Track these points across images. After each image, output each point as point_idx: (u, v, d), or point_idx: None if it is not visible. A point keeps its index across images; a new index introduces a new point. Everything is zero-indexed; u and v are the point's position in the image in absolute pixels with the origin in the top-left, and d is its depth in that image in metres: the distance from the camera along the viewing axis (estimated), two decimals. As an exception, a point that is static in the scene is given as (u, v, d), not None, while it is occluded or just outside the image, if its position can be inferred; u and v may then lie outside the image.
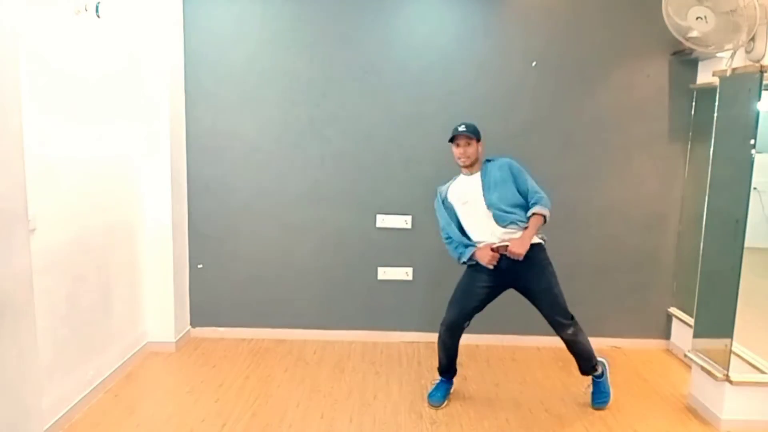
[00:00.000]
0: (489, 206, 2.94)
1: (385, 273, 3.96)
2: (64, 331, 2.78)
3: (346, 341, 3.97)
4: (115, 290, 3.28)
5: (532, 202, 2.94)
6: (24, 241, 2.16)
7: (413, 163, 3.86)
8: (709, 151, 3.02)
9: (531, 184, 3.00)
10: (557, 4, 3.78)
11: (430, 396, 3.13)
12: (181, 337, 3.80)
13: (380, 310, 4.00)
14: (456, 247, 3.04)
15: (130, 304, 3.48)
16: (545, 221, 2.95)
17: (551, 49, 3.79)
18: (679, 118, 3.84)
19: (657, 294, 3.99)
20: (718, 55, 3.25)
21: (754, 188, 2.77)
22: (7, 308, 2.06)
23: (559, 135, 3.84)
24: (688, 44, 2.88)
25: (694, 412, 3.10)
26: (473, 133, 2.98)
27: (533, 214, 2.92)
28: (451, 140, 3.01)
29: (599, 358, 3.12)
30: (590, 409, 3.08)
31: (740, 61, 2.88)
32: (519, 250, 2.85)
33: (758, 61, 2.75)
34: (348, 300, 3.99)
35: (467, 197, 3.02)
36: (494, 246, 2.93)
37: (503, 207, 2.93)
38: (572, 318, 2.98)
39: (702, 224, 3.09)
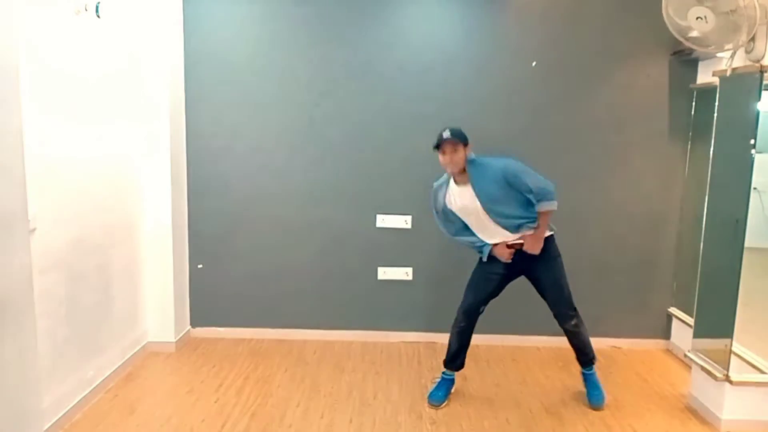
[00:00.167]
0: (496, 219, 2.92)
1: (385, 273, 3.96)
2: (64, 331, 2.78)
3: (346, 341, 3.97)
4: (115, 290, 3.29)
5: (537, 199, 2.89)
6: (24, 241, 2.16)
7: (413, 163, 3.86)
8: (709, 151, 3.02)
9: (531, 180, 2.86)
10: (557, 4, 3.78)
11: (430, 395, 3.13)
12: (181, 337, 3.80)
13: (380, 310, 4.00)
14: (463, 239, 3.07)
15: (130, 304, 3.48)
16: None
17: (551, 49, 3.79)
18: (679, 118, 3.84)
19: (657, 294, 3.99)
20: (718, 55, 3.25)
21: (754, 188, 2.77)
22: (7, 308, 2.06)
23: (559, 135, 3.83)
24: (688, 44, 2.88)
25: (694, 412, 3.10)
26: (459, 138, 2.82)
27: (540, 212, 2.93)
28: (436, 147, 2.85)
29: None
30: (590, 409, 3.08)
31: (740, 61, 2.88)
32: (535, 250, 2.94)
33: (758, 61, 2.75)
34: (348, 300, 3.99)
35: (469, 210, 2.95)
36: (509, 243, 2.97)
37: (510, 217, 2.92)
38: (575, 310, 3.06)
39: (702, 224, 3.09)
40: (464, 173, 2.90)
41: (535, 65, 3.79)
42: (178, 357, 3.64)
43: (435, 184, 3.08)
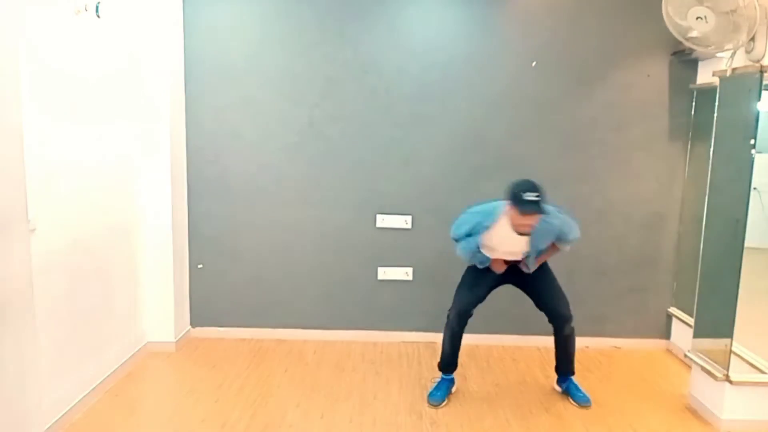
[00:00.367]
0: (527, 255, 2.97)
1: (385, 273, 3.96)
2: (64, 331, 2.78)
3: (346, 341, 3.97)
4: (115, 290, 3.29)
5: (564, 241, 2.98)
6: (24, 242, 2.16)
7: (413, 163, 3.86)
8: (709, 151, 3.02)
9: (572, 235, 2.96)
10: (557, 4, 3.78)
11: (430, 395, 3.13)
12: (181, 337, 3.80)
13: (380, 310, 4.00)
14: (471, 253, 3.00)
15: (130, 304, 3.48)
16: None
17: (551, 49, 3.79)
18: (679, 118, 3.84)
19: (657, 294, 3.99)
20: (718, 55, 3.25)
21: (754, 188, 2.77)
22: (7, 308, 2.07)
23: (559, 135, 3.83)
24: (688, 44, 2.87)
25: (694, 412, 3.10)
26: (542, 205, 2.67)
27: (557, 247, 3.02)
28: (518, 206, 2.67)
29: None
30: (590, 409, 3.08)
31: (740, 61, 2.88)
32: (531, 270, 3.01)
33: (758, 61, 2.75)
34: (348, 300, 3.99)
35: (505, 244, 2.89)
36: (508, 260, 3.01)
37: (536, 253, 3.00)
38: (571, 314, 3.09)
39: (702, 224, 3.09)
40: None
41: (535, 65, 3.79)
42: (178, 357, 3.64)
43: (471, 223, 2.91)
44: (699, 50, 3.03)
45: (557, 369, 3.24)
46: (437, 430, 2.85)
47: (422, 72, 3.79)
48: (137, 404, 3.03)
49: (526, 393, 3.29)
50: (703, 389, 3.07)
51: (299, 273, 3.96)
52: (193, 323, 3.98)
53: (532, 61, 3.79)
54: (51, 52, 2.61)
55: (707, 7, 2.75)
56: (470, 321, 3.12)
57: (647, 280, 3.98)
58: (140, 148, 3.51)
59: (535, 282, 3.08)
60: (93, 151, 3.00)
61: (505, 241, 2.87)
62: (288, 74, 3.79)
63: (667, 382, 3.47)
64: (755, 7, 2.71)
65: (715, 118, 2.99)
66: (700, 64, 3.76)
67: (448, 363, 3.18)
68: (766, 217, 4.18)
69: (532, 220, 2.70)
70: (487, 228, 2.88)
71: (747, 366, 2.95)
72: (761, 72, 2.67)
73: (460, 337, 3.14)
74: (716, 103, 2.97)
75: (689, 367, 3.25)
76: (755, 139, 2.72)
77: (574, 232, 2.98)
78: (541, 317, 3.16)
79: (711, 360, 2.96)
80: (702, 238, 3.07)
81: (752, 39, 2.78)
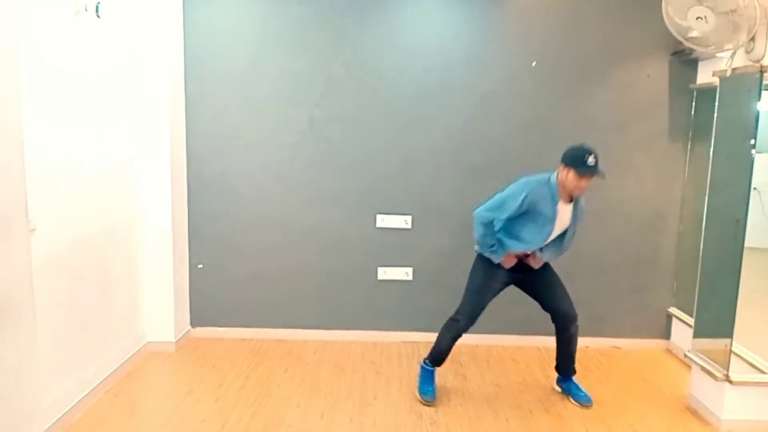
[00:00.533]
0: (565, 237, 3.01)
1: (385, 273, 3.96)
2: (64, 331, 2.78)
3: (346, 341, 3.97)
4: (115, 290, 3.28)
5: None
6: (24, 241, 2.16)
7: (413, 163, 3.86)
8: (709, 151, 3.02)
9: (582, 214, 3.07)
10: (557, 4, 3.78)
11: (423, 391, 3.12)
12: (181, 337, 3.80)
13: (380, 310, 4.00)
14: (491, 243, 2.93)
15: (130, 304, 3.48)
16: None
17: (551, 49, 3.79)
18: (679, 118, 3.84)
19: (657, 294, 3.99)
20: (718, 55, 3.25)
21: (754, 188, 2.77)
22: (8, 308, 2.07)
23: (559, 135, 3.82)
24: (688, 44, 2.88)
25: (694, 412, 3.10)
26: (600, 172, 2.84)
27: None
28: (578, 171, 2.79)
29: None
30: (590, 409, 3.08)
31: (740, 61, 2.89)
32: (539, 265, 3.03)
33: (758, 61, 2.75)
34: (348, 300, 3.99)
35: (562, 225, 2.94)
36: (518, 254, 3.00)
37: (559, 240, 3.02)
38: None
39: (702, 224, 3.09)
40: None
41: (535, 65, 3.79)
42: (178, 357, 3.64)
43: (526, 191, 2.85)
44: (699, 50, 3.03)
45: (558, 369, 3.24)
46: (437, 430, 2.85)
47: (422, 72, 3.79)
48: (137, 404, 3.03)
49: (526, 393, 3.29)
50: (703, 389, 3.07)
51: (299, 273, 3.96)
52: (193, 323, 3.98)
53: (532, 61, 3.79)
54: (51, 52, 2.61)
55: (707, 7, 2.76)
56: None
57: (647, 280, 3.98)
58: (140, 148, 3.51)
59: (541, 283, 3.08)
60: (93, 151, 3.00)
61: (564, 213, 2.91)
62: (288, 74, 3.79)
63: (667, 382, 3.47)
64: (755, 7, 2.71)
65: (715, 118, 2.99)
66: (700, 64, 3.76)
67: (442, 359, 3.17)
68: (766, 217, 4.18)
69: (588, 183, 2.84)
70: (549, 201, 2.86)
71: (747, 366, 2.95)
72: (761, 72, 2.67)
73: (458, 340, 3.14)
74: (716, 103, 2.97)
75: (689, 367, 3.26)
76: (755, 139, 2.72)
77: (583, 218, 3.05)
78: (541, 317, 3.16)
79: (711, 360, 2.96)
80: (702, 238, 3.07)
81: (752, 39, 2.78)
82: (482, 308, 3.06)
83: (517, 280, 3.08)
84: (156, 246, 3.63)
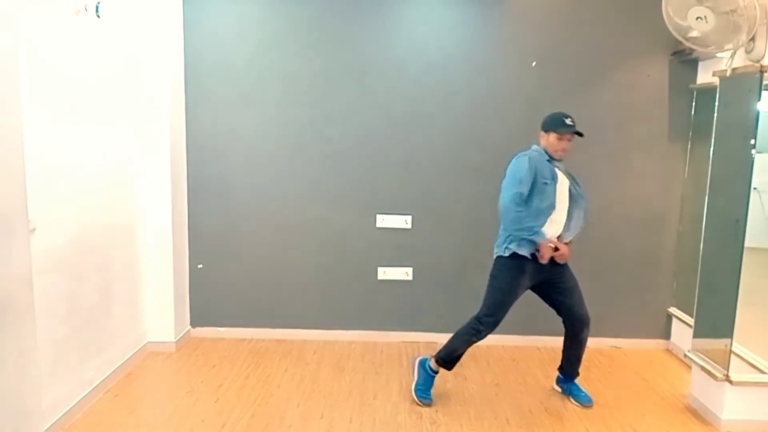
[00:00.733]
0: (570, 209, 3.00)
1: (385, 273, 3.96)
2: (64, 331, 2.78)
3: (346, 341, 3.97)
4: (115, 290, 3.28)
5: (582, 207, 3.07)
6: (24, 241, 2.16)
7: (413, 163, 3.86)
8: (709, 151, 3.02)
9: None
10: (557, 4, 3.78)
11: (421, 394, 3.09)
12: (181, 337, 3.80)
13: (380, 310, 4.00)
14: (532, 223, 2.86)
15: (130, 304, 3.48)
16: None
17: (551, 49, 3.79)
18: (679, 118, 3.84)
19: (657, 294, 3.99)
20: (718, 55, 3.25)
21: (754, 188, 2.77)
22: (8, 308, 2.07)
23: (559, 135, 3.83)
24: (688, 44, 2.88)
25: (694, 412, 3.10)
26: (578, 131, 2.93)
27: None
28: (556, 131, 2.92)
29: None
30: (590, 409, 3.08)
31: (740, 61, 2.89)
32: (567, 258, 2.99)
33: (758, 61, 2.75)
34: (348, 300, 3.99)
35: (563, 192, 2.96)
36: (554, 244, 2.92)
37: (572, 217, 3.02)
38: None
39: (702, 224, 3.09)
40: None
41: (535, 65, 3.79)
42: (178, 357, 3.64)
43: (526, 155, 2.94)
44: (699, 50, 3.03)
45: (562, 369, 3.22)
46: (437, 430, 2.85)
47: (422, 72, 3.79)
48: (137, 404, 3.03)
49: (526, 393, 3.29)
50: (703, 389, 3.07)
51: (299, 273, 3.96)
52: (193, 323, 3.98)
53: (532, 61, 3.79)
54: (51, 52, 2.61)
55: (707, 7, 2.76)
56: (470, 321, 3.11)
57: (647, 280, 3.98)
58: (140, 148, 3.51)
59: (561, 287, 3.02)
60: (93, 151, 3.00)
61: (560, 178, 2.94)
62: (288, 74, 3.79)
63: (667, 382, 3.47)
64: (755, 7, 2.71)
65: (715, 118, 2.99)
66: (700, 64, 3.76)
67: (451, 359, 3.09)
68: (766, 217, 4.18)
69: (569, 144, 2.93)
70: (549, 167, 2.92)
71: (747, 366, 2.95)
72: (761, 72, 2.67)
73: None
74: (716, 103, 2.97)
75: (689, 367, 3.26)
76: (755, 139, 2.72)
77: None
78: (541, 317, 3.16)
79: (711, 360, 2.96)
80: (702, 238, 3.07)
81: (752, 39, 2.78)
82: (505, 314, 3.01)
83: (538, 283, 3.01)
84: (156, 246, 3.63)
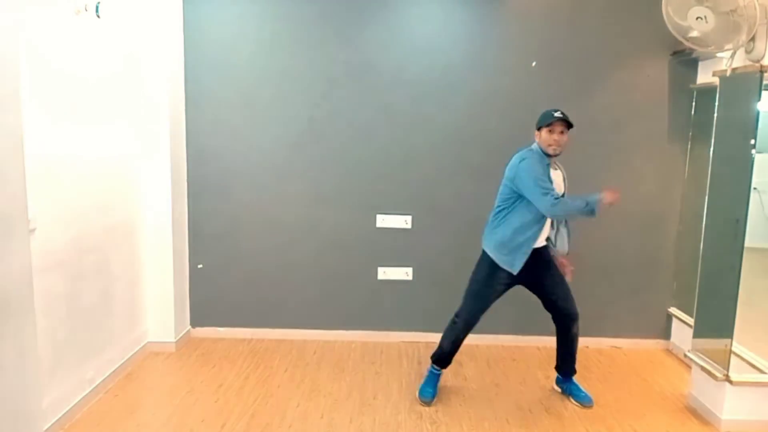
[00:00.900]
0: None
1: (385, 273, 3.96)
2: (64, 331, 2.78)
3: (346, 341, 3.97)
4: (115, 290, 3.29)
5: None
6: (24, 241, 2.16)
7: (413, 163, 3.86)
8: (709, 151, 3.03)
9: None
10: (557, 4, 3.78)
11: (422, 392, 3.12)
12: (181, 337, 3.80)
13: (380, 310, 4.00)
14: (581, 202, 2.78)
15: (130, 304, 3.48)
16: None
17: (551, 49, 3.79)
18: (679, 118, 3.84)
19: (657, 294, 3.99)
20: (718, 55, 3.25)
21: (754, 188, 2.77)
22: (8, 308, 2.06)
23: (559, 135, 3.83)
24: (688, 44, 2.88)
25: (694, 412, 3.10)
26: (569, 121, 2.86)
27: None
28: (547, 125, 2.87)
29: None
30: (590, 409, 3.08)
31: (740, 61, 2.89)
32: (569, 272, 3.06)
33: (758, 61, 2.75)
34: (348, 300, 3.99)
35: (555, 183, 2.91)
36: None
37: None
38: None
39: (702, 224, 3.09)
40: (556, 158, 2.96)
41: (535, 65, 3.79)
42: (178, 357, 3.64)
43: (525, 155, 2.91)
44: (699, 50, 3.03)
45: (559, 369, 3.24)
46: (437, 430, 2.85)
47: (422, 72, 3.79)
48: (137, 404, 3.03)
49: (526, 393, 3.29)
50: (703, 389, 3.07)
51: (299, 273, 3.96)
52: (193, 323, 3.98)
53: (532, 61, 3.79)
54: (51, 52, 2.61)
55: (707, 7, 2.76)
56: None
57: (647, 280, 3.98)
58: (140, 148, 3.51)
59: (546, 278, 3.04)
60: (93, 151, 3.00)
61: (555, 178, 2.93)
62: (288, 74, 3.79)
63: (667, 382, 3.47)
64: (755, 7, 2.71)
65: (715, 118, 2.99)
66: (700, 64, 3.76)
67: (445, 360, 3.17)
68: (766, 217, 4.18)
69: (561, 136, 2.86)
70: (545, 164, 2.89)
71: (747, 366, 2.95)
72: (761, 72, 2.67)
73: (463, 340, 3.13)
74: (716, 103, 2.97)
75: (689, 367, 3.26)
76: (755, 139, 2.72)
77: None
78: (541, 317, 3.16)
79: (711, 360, 2.96)
80: (702, 238, 3.07)
81: (752, 39, 2.78)
82: (481, 310, 3.05)
83: (522, 280, 3.03)
84: (156, 246, 3.63)
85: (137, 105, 3.45)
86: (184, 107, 3.78)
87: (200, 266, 3.94)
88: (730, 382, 2.85)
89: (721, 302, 2.88)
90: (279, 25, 3.76)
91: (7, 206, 2.05)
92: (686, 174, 3.89)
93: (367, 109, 3.82)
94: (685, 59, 3.75)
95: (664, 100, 3.84)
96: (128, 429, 2.78)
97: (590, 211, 2.77)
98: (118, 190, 3.30)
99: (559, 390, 3.27)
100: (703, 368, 2.99)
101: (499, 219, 2.98)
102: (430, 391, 3.13)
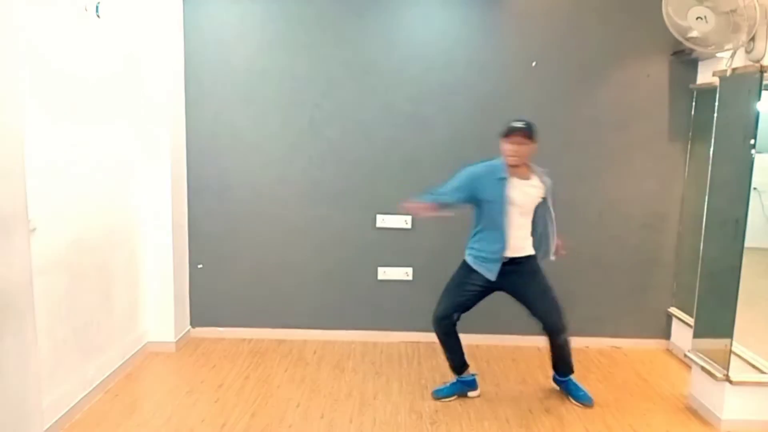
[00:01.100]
0: (551, 218, 3.02)
1: (385, 273, 3.96)
2: (64, 331, 2.78)
3: (346, 341, 3.97)
4: (115, 290, 3.29)
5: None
6: (24, 241, 2.16)
7: (413, 164, 3.86)
8: (709, 151, 3.02)
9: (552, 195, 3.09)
10: (557, 4, 3.78)
11: (436, 390, 3.14)
12: (181, 337, 3.80)
13: (380, 310, 4.00)
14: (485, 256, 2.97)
15: (130, 304, 3.48)
16: None
17: (551, 49, 3.79)
18: (679, 118, 3.84)
19: (657, 294, 3.99)
20: (718, 55, 3.25)
21: (754, 188, 2.77)
22: (8, 308, 2.06)
23: (559, 135, 3.83)
24: (688, 44, 2.88)
25: (694, 412, 3.10)
26: (530, 132, 2.87)
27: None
28: (505, 136, 2.90)
29: None
30: (590, 409, 3.08)
31: (740, 61, 2.89)
32: (551, 255, 3.06)
33: (758, 61, 2.75)
34: (348, 300, 3.99)
35: (518, 200, 2.90)
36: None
37: (536, 231, 3.02)
38: (566, 325, 3.04)
39: (702, 224, 3.09)
40: (525, 168, 2.95)
41: (535, 65, 3.79)
42: (178, 357, 3.64)
43: (476, 169, 2.99)
44: (699, 50, 3.03)
45: (554, 367, 3.23)
46: (437, 430, 2.85)
47: (422, 72, 3.79)
48: (137, 404, 3.03)
49: (526, 393, 3.29)
50: (703, 389, 3.07)
51: (299, 273, 3.96)
52: (193, 323, 3.98)
53: (532, 62, 3.79)
54: (51, 52, 2.61)
55: (707, 7, 2.76)
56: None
57: (647, 280, 3.98)
58: (140, 148, 3.51)
59: (527, 294, 3.00)
60: (93, 151, 3.00)
61: (519, 190, 2.90)
62: (288, 74, 3.79)
63: (667, 382, 3.47)
64: (755, 7, 2.71)
65: (715, 118, 2.99)
66: (700, 64, 3.76)
67: (453, 364, 3.15)
68: (766, 217, 4.18)
69: (520, 147, 2.85)
70: (502, 184, 2.90)
71: (747, 366, 2.95)
72: (761, 72, 2.67)
73: (455, 343, 3.10)
74: (716, 103, 2.97)
75: (689, 367, 3.25)
76: (755, 139, 2.72)
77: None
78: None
79: (711, 360, 2.96)
80: (702, 238, 3.07)
81: (752, 39, 2.78)
82: (449, 309, 3.02)
83: (502, 287, 2.99)
84: (156, 246, 3.63)
85: (137, 105, 3.45)
86: (184, 107, 3.78)
87: (200, 266, 3.94)
88: (730, 382, 2.85)
89: (721, 302, 2.88)
90: (279, 25, 3.76)
91: (7, 206, 2.05)
92: (686, 174, 3.89)
93: (367, 109, 3.82)
94: (685, 59, 3.75)
95: (664, 100, 3.83)
96: (128, 429, 2.78)
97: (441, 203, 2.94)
98: (118, 190, 3.30)
99: (557, 387, 3.26)
100: (703, 368, 2.99)
101: (474, 224, 3.07)
102: (445, 390, 3.14)
